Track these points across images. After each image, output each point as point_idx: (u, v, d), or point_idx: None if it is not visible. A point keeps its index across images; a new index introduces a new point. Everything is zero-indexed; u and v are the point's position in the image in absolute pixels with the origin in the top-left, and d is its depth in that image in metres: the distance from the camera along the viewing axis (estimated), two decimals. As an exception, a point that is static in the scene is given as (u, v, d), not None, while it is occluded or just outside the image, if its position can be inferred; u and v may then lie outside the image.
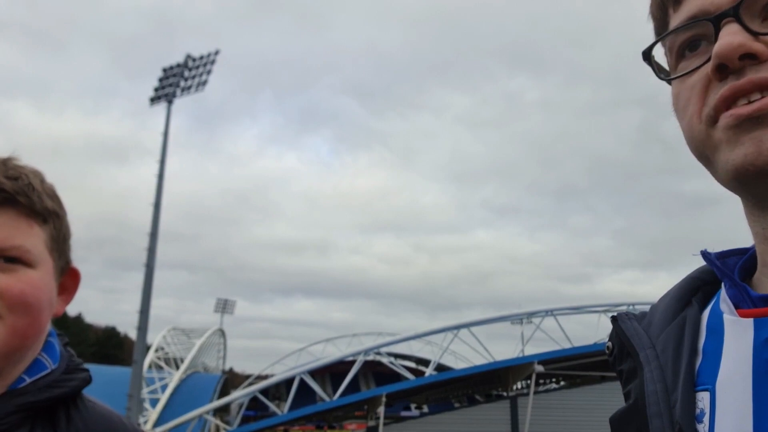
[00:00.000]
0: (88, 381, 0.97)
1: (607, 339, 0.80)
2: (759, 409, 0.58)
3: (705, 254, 0.73)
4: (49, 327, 0.97)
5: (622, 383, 0.75)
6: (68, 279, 1.01)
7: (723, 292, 0.69)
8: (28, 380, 0.91)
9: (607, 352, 0.79)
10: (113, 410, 1.03)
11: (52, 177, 1.01)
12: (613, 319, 0.79)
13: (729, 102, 0.61)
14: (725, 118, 0.61)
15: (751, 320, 0.62)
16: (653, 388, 0.67)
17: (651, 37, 0.74)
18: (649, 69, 0.73)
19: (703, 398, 0.64)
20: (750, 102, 0.60)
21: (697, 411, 0.64)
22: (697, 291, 0.76)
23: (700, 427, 0.63)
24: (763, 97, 0.59)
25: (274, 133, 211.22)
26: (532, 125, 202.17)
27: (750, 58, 0.60)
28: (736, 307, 0.65)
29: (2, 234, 0.88)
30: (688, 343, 0.69)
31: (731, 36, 0.60)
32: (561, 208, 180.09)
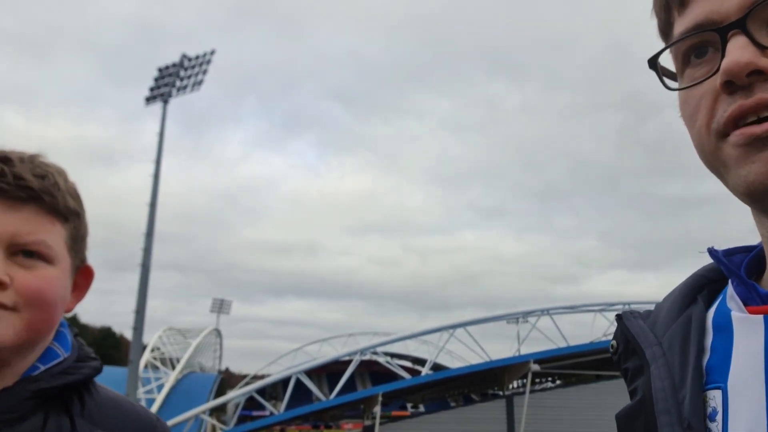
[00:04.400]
0: (99, 369, 1.00)
1: (612, 337, 0.79)
2: None
3: (712, 252, 0.72)
4: (60, 320, 1.00)
5: (627, 381, 0.74)
6: (82, 277, 1.04)
7: (730, 290, 0.69)
8: (42, 368, 0.94)
9: (611, 350, 0.79)
10: (123, 396, 1.06)
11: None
12: (618, 318, 0.78)
13: (737, 120, 0.61)
14: (735, 136, 0.61)
15: (761, 317, 0.62)
16: (660, 385, 0.66)
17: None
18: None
19: (714, 397, 0.63)
20: (759, 119, 0.59)
21: (709, 410, 0.63)
22: (702, 289, 0.75)
23: (713, 426, 0.62)
24: None
25: (260, 137, 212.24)
26: (514, 129, 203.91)
27: (758, 74, 0.59)
28: (745, 304, 0.65)
29: (26, 229, 0.90)
30: (695, 341, 0.68)
31: (739, 52, 0.59)
32: (546, 209, 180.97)
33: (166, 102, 29.07)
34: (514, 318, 32.57)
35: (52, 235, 0.94)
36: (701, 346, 0.68)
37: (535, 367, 27.39)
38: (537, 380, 35.34)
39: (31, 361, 0.94)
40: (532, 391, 27.81)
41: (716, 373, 0.64)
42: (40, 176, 0.93)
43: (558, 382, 36.37)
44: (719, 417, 0.62)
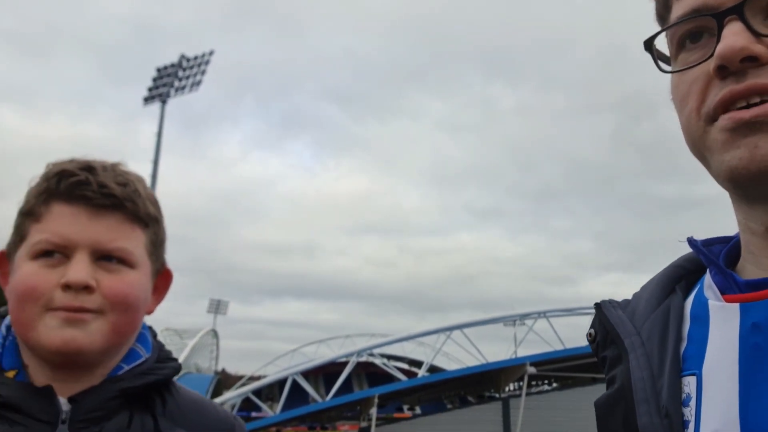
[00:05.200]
0: (178, 369, 1.06)
1: (590, 326, 0.81)
2: (745, 394, 0.58)
3: (691, 241, 0.74)
4: (142, 322, 1.05)
5: (604, 369, 0.76)
6: (161, 280, 1.10)
7: (707, 279, 0.70)
8: (126, 368, 1.00)
9: (588, 338, 0.80)
10: (204, 396, 1.11)
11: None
12: (597, 306, 0.80)
13: (728, 105, 0.62)
14: (723, 120, 0.62)
15: (737, 305, 0.63)
16: (640, 375, 0.68)
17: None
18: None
19: (689, 383, 0.64)
20: (749, 105, 0.60)
21: (683, 395, 0.64)
22: (680, 279, 0.77)
23: (686, 411, 0.63)
24: (762, 102, 0.60)
25: (258, 138, 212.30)
26: (510, 130, 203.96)
27: (751, 61, 0.60)
28: (722, 293, 0.66)
29: (110, 236, 0.96)
30: (674, 331, 0.70)
31: (734, 37, 0.60)
32: (541, 210, 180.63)
33: (164, 102, 29.06)
34: (511, 320, 32.63)
35: (134, 241, 0.98)
36: (679, 335, 0.70)
37: (532, 370, 27.41)
38: (533, 383, 35.34)
39: (117, 361, 0.99)
40: (528, 394, 27.84)
41: (692, 361, 0.66)
42: (122, 184, 0.98)
43: (554, 384, 36.37)
44: (692, 402, 0.63)
